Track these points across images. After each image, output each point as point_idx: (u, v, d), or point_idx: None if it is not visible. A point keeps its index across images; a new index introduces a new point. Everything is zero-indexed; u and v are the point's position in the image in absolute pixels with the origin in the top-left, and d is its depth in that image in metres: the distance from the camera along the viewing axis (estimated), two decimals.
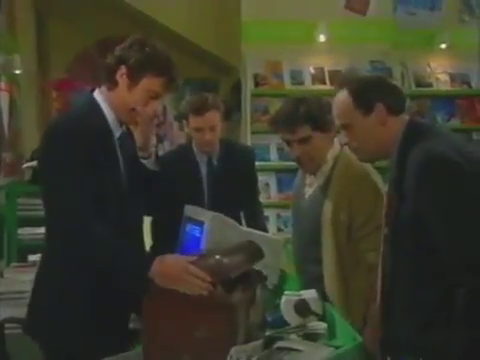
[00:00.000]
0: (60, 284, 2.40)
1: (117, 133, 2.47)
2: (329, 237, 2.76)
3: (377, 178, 2.78)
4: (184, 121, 3.62)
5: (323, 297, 2.61)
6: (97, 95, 2.47)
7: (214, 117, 3.52)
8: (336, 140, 2.89)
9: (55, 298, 2.41)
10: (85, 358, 2.32)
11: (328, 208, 2.78)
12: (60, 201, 2.31)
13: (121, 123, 2.50)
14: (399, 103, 2.28)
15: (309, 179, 2.94)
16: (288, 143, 2.86)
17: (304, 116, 2.79)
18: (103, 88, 2.47)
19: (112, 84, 2.43)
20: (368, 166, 2.87)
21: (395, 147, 2.19)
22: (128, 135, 2.61)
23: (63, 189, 2.30)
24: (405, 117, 2.26)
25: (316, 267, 2.81)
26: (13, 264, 4.59)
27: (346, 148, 2.88)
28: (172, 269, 2.20)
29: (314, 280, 2.79)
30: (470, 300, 2.01)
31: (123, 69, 2.39)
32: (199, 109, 3.51)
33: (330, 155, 2.86)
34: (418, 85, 6.00)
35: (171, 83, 2.44)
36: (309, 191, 2.93)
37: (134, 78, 2.39)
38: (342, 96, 2.29)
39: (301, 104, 2.81)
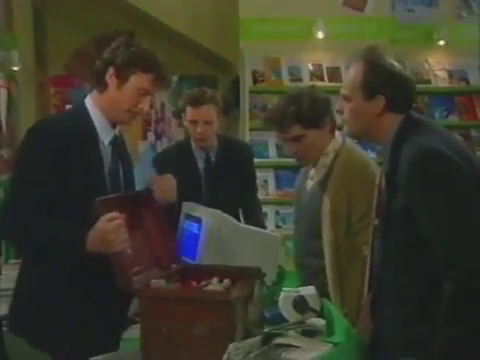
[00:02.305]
0: (38, 284, 2.42)
1: (107, 137, 2.49)
2: (328, 229, 2.76)
3: (377, 171, 2.79)
4: (183, 114, 3.62)
5: (323, 291, 2.62)
6: (87, 101, 2.51)
7: (210, 111, 3.52)
8: (338, 133, 2.90)
9: (34, 298, 2.43)
10: (69, 357, 2.33)
11: (327, 200, 2.78)
12: (9, 196, 2.42)
13: (113, 126, 2.52)
14: (403, 103, 2.24)
15: (311, 172, 2.94)
16: (283, 140, 2.87)
17: (294, 116, 2.78)
18: (94, 92, 2.50)
19: (102, 87, 2.46)
20: (368, 158, 2.87)
21: (389, 141, 2.19)
22: (122, 139, 2.64)
23: (15, 185, 2.40)
24: (403, 114, 2.24)
25: (315, 260, 2.81)
26: (11, 261, 4.58)
27: (348, 141, 2.89)
28: (97, 238, 2.25)
29: (313, 274, 2.79)
30: (455, 297, 2.01)
31: (111, 70, 2.43)
32: (196, 101, 3.51)
33: (331, 147, 2.86)
34: (416, 82, 5.99)
35: (160, 79, 2.46)
36: (310, 184, 2.94)
37: (122, 77, 2.42)
38: (356, 68, 2.24)
39: (292, 104, 2.80)
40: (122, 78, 2.42)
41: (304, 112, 2.78)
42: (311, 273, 2.83)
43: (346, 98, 2.27)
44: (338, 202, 2.75)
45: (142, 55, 2.44)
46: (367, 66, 2.22)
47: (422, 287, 2.11)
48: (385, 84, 2.21)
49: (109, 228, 2.23)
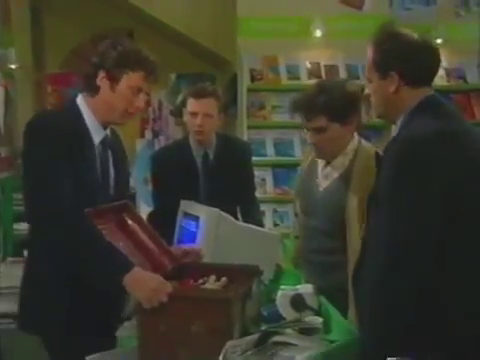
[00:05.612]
0: (45, 283, 2.43)
1: (98, 137, 2.51)
2: (356, 231, 2.69)
3: None
4: (184, 109, 3.61)
5: (339, 288, 2.62)
6: (79, 100, 2.52)
7: (212, 104, 3.51)
8: (355, 133, 2.89)
9: (41, 296, 2.44)
10: (72, 355, 2.33)
11: (352, 202, 2.73)
12: (43, 193, 2.34)
13: (105, 127, 2.53)
14: (420, 74, 2.23)
15: (326, 170, 2.90)
16: (305, 128, 2.85)
17: (322, 106, 2.74)
18: (85, 94, 2.52)
19: (94, 90, 2.48)
20: None
21: (400, 119, 2.19)
22: (115, 139, 2.65)
23: (45, 181, 2.34)
24: (426, 91, 2.23)
25: (328, 257, 2.78)
26: (9, 259, 4.60)
27: (363, 141, 2.89)
28: (148, 290, 2.17)
29: (324, 270, 2.78)
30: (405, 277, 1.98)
31: (102, 73, 2.45)
32: (199, 93, 3.51)
33: (350, 147, 2.84)
34: None
35: (150, 74, 2.49)
36: (325, 183, 2.89)
37: (114, 78, 2.45)
38: (369, 50, 2.25)
39: (323, 93, 2.76)
40: (114, 79, 2.45)
41: (334, 104, 2.74)
42: (322, 269, 2.80)
43: (368, 80, 2.28)
44: (364, 192, 2.62)
45: (129, 54, 2.46)
46: (375, 46, 2.22)
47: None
48: (394, 59, 2.18)
49: (155, 297, 2.15)
